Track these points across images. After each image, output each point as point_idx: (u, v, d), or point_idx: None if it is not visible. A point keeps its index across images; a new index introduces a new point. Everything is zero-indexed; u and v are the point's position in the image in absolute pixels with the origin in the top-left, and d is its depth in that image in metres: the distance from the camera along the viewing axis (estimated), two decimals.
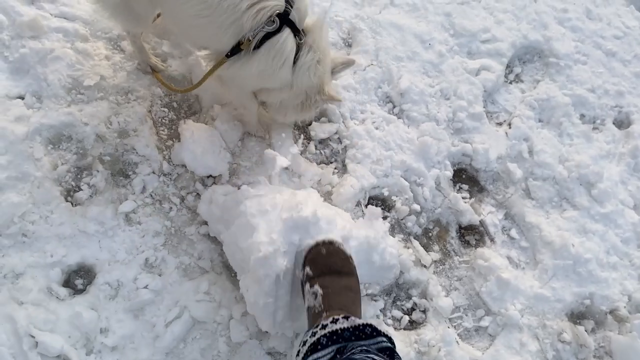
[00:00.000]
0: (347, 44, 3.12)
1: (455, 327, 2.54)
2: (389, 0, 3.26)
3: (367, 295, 2.47)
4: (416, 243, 2.65)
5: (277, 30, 2.00)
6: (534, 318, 2.59)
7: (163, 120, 2.63)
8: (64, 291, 2.19)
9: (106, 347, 2.13)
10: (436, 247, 2.70)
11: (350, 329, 1.68)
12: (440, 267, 2.67)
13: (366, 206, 2.65)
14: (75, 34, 2.62)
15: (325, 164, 2.75)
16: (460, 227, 2.80)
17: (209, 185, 2.53)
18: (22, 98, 2.44)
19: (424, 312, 2.53)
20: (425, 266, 2.61)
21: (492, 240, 2.77)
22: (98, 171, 2.41)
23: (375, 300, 2.49)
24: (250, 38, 1.99)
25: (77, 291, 2.24)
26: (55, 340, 2.05)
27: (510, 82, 3.30)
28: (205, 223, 2.44)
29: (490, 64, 3.20)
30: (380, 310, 2.47)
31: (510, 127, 3.08)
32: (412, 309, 2.54)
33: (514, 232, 2.82)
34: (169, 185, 2.50)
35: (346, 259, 2.04)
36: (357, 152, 2.72)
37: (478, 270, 2.66)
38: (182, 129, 2.50)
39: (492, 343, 2.52)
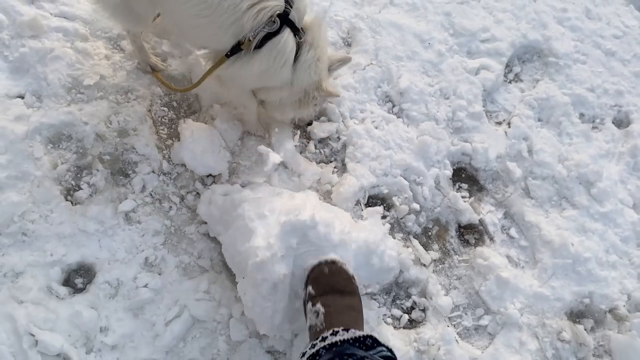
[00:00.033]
0: (346, 43, 3.13)
1: (454, 326, 2.54)
2: (389, 0, 3.27)
3: (366, 294, 2.48)
4: (416, 242, 2.65)
5: (278, 31, 2.01)
6: (533, 317, 2.59)
7: (163, 120, 2.63)
8: (63, 290, 2.19)
9: (106, 345, 2.14)
10: (436, 246, 2.70)
11: (351, 340, 1.68)
12: (440, 266, 2.67)
13: (366, 205, 2.66)
14: (75, 34, 2.62)
15: (325, 163, 2.75)
16: (459, 226, 2.80)
17: (208, 185, 2.53)
18: (22, 97, 2.44)
19: (423, 311, 2.53)
20: (424, 265, 2.61)
21: (491, 239, 2.77)
22: (98, 170, 2.42)
23: (375, 299, 2.49)
24: (251, 38, 1.99)
25: (77, 290, 2.24)
26: (55, 339, 2.05)
27: (510, 82, 3.31)
28: (205, 222, 2.44)
29: (489, 63, 3.20)
30: (379, 308, 2.47)
31: (509, 127, 3.08)
32: (412, 308, 2.54)
33: (513, 231, 2.82)
34: (169, 185, 2.50)
35: (349, 278, 2.05)
36: (357, 151, 2.72)
37: (477, 269, 2.66)
38: (182, 128, 2.50)
39: (492, 342, 2.52)
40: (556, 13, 3.61)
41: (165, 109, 2.66)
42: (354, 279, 2.07)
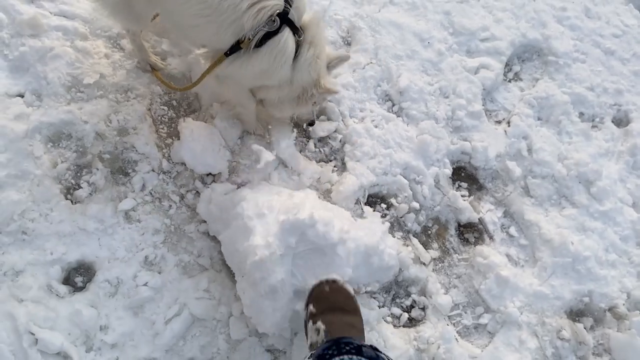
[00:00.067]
0: (346, 42, 3.13)
1: (454, 324, 2.54)
2: None
3: (366, 292, 2.48)
4: (415, 241, 2.65)
5: (277, 30, 2.01)
6: (533, 315, 2.59)
7: (162, 119, 2.63)
8: (63, 289, 2.19)
9: (106, 344, 2.14)
10: (435, 245, 2.70)
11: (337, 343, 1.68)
12: (440, 264, 2.67)
13: (365, 204, 2.66)
14: (74, 32, 2.62)
15: (325, 162, 2.76)
16: (459, 225, 2.80)
17: (208, 183, 2.53)
18: (22, 96, 2.44)
19: (423, 309, 2.54)
20: (424, 264, 2.61)
21: (491, 238, 2.77)
22: (98, 169, 2.42)
23: (375, 298, 2.49)
24: (251, 37, 2.00)
25: (76, 289, 2.24)
26: (55, 337, 2.05)
27: (509, 81, 3.31)
28: (205, 221, 2.44)
29: (489, 62, 3.21)
30: (379, 307, 2.48)
31: (509, 125, 3.09)
32: (412, 307, 2.54)
33: (513, 230, 2.83)
34: (169, 183, 2.50)
35: (350, 297, 2.05)
36: (357, 150, 2.73)
37: (477, 267, 2.66)
38: (182, 127, 2.51)
39: (491, 340, 2.53)
40: (555, 12, 3.62)
41: (165, 107, 2.66)
42: (355, 298, 2.08)
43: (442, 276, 2.65)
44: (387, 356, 1.71)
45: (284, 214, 2.10)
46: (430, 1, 3.33)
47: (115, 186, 2.43)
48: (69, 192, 2.37)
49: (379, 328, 2.39)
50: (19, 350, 2.02)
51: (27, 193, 2.26)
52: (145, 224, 2.39)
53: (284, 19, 2.01)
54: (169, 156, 2.55)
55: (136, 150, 2.50)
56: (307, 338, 2.00)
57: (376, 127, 2.83)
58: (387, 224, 2.59)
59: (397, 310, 2.50)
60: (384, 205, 2.70)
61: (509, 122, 3.11)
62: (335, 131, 2.82)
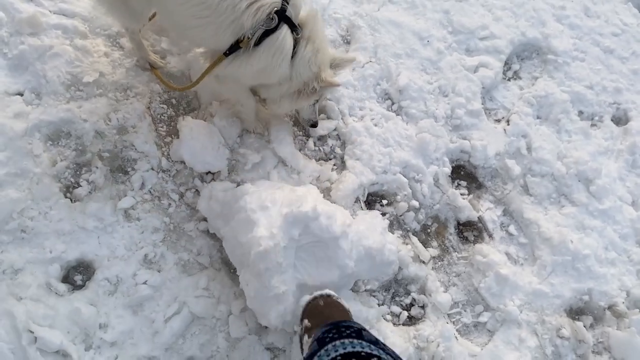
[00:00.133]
0: (345, 41, 3.13)
1: (454, 322, 2.54)
2: None
3: (366, 291, 2.48)
4: (415, 239, 2.65)
5: (275, 28, 2.01)
6: (532, 314, 2.59)
7: (162, 117, 2.63)
8: (63, 287, 2.19)
9: (105, 342, 2.13)
10: (435, 243, 2.70)
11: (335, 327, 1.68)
12: (439, 263, 2.67)
13: (365, 202, 2.66)
14: (74, 31, 2.62)
15: (324, 160, 2.76)
16: (458, 223, 2.80)
17: (207, 182, 2.53)
18: (21, 94, 2.44)
19: (422, 307, 2.54)
20: (423, 262, 2.61)
21: (490, 236, 2.77)
22: (97, 167, 2.42)
23: (374, 296, 2.49)
24: (250, 36, 2.00)
25: (76, 287, 2.24)
26: (54, 335, 2.05)
27: (509, 79, 3.31)
28: (204, 219, 2.44)
29: (488, 61, 3.21)
30: (378, 305, 2.48)
31: (508, 124, 3.09)
32: (411, 305, 2.54)
33: (512, 228, 2.83)
34: (168, 182, 2.50)
35: (344, 311, 2.06)
36: (356, 149, 2.73)
37: (477, 266, 2.66)
38: (181, 126, 2.50)
39: (491, 339, 2.53)
40: (555, 11, 3.62)
41: (165, 106, 2.65)
42: (350, 312, 2.08)
43: (442, 274, 2.65)
44: (385, 345, 1.71)
45: (287, 207, 2.10)
46: (430, 0, 3.33)
47: (114, 184, 2.43)
48: (69, 190, 2.37)
49: (378, 326, 2.39)
50: (18, 348, 2.01)
51: (27, 191, 2.26)
52: (144, 222, 2.39)
53: (282, 16, 2.02)
54: (169, 155, 2.55)
55: (135, 149, 2.50)
56: (302, 353, 1.99)
57: (376, 125, 2.83)
58: (387, 222, 2.59)
59: (396, 309, 2.50)
60: (383, 203, 2.70)
61: (508, 121, 3.11)
62: (334, 130, 2.82)
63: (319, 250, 2.14)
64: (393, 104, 2.96)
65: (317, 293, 2.06)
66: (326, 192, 2.62)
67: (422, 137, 2.82)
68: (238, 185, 2.48)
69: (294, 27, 2.07)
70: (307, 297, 2.07)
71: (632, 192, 3.08)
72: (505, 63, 3.30)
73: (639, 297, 2.75)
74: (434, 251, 2.67)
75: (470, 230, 2.79)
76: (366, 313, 2.37)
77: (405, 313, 2.50)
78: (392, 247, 2.44)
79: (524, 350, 2.50)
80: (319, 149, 2.77)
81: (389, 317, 2.48)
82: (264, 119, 2.69)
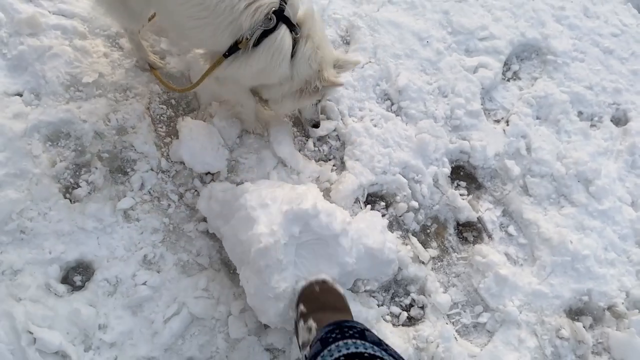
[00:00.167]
0: (345, 41, 3.13)
1: (453, 323, 2.54)
2: None
3: (365, 291, 2.48)
4: (414, 240, 2.65)
5: (274, 28, 2.01)
6: (532, 314, 2.59)
7: (161, 118, 2.63)
8: (62, 288, 2.19)
9: (105, 343, 2.13)
10: (434, 244, 2.70)
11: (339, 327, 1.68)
12: (439, 263, 2.67)
13: (365, 203, 2.66)
14: (73, 32, 2.62)
15: (324, 161, 2.76)
16: (458, 224, 2.80)
17: (207, 182, 2.53)
18: (21, 95, 2.44)
19: (422, 308, 2.54)
20: (423, 263, 2.61)
21: (490, 236, 2.77)
22: (96, 168, 2.42)
23: (374, 297, 2.49)
24: (248, 37, 1.99)
25: (75, 288, 2.24)
26: (53, 336, 2.05)
27: (508, 80, 3.31)
28: (204, 220, 2.44)
29: (488, 61, 3.21)
30: (378, 306, 2.47)
31: (508, 124, 3.09)
32: (411, 305, 2.54)
33: (511, 229, 2.83)
34: (168, 182, 2.50)
35: (340, 296, 2.06)
36: (356, 149, 2.73)
37: (476, 266, 2.66)
38: (181, 126, 2.50)
39: (491, 339, 2.53)
40: (554, 11, 3.62)
41: (164, 106, 2.65)
42: (345, 297, 2.09)
43: (441, 275, 2.65)
44: (388, 346, 1.71)
45: (287, 204, 2.10)
46: (429, 0, 3.33)
47: (114, 185, 2.42)
48: (68, 191, 2.37)
49: (378, 327, 2.39)
50: (18, 349, 2.01)
51: (26, 192, 2.26)
52: (144, 223, 2.38)
53: (280, 16, 2.01)
54: (168, 155, 2.55)
55: (135, 149, 2.50)
56: (298, 338, 2.00)
57: (375, 126, 2.83)
58: (386, 221, 2.59)
59: (396, 309, 2.50)
60: (383, 204, 2.70)
61: (507, 121, 3.11)
62: (334, 130, 2.82)
63: (319, 248, 2.15)
64: (392, 104, 2.96)
65: (312, 279, 2.06)
66: (326, 193, 2.62)
67: (422, 137, 2.82)
68: (237, 185, 2.48)
69: (292, 27, 2.07)
70: (302, 283, 2.06)
71: (632, 193, 3.08)
72: (505, 63, 3.30)
73: (638, 297, 2.75)
74: (433, 252, 2.67)
75: (470, 231, 2.79)
76: (366, 314, 2.37)
77: (405, 314, 2.50)
78: (391, 245, 2.44)
79: (523, 350, 2.50)
80: (319, 150, 2.77)
81: (388, 317, 2.48)
82: (264, 120, 2.69)
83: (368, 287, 2.48)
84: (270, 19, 1.98)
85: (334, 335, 1.56)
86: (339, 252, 2.15)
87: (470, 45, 3.26)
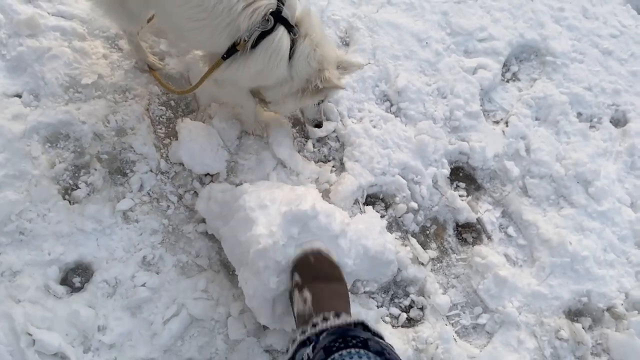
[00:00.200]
0: (344, 42, 3.13)
1: (452, 324, 2.54)
2: None
3: (365, 292, 2.48)
4: (414, 241, 2.65)
5: (272, 29, 2.01)
6: (531, 315, 2.59)
7: (161, 119, 2.63)
8: (61, 289, 2.19)
9: (104, 344, 2.13)
10: (433, 245, 2.70)
11: (341, 327, 1.69)
12: (438, 264, 2.67)
13: (364, 204, 2.66)
14: (72, 33, 2.62)
15: (323, 162, 2.76)
16: (457, 225, 2.80)
17: (206, 184, 2.53)
18: (20, 96, 2.44)
19: (421, 309, 2.53)
20: (422, 264, 2.61)
21: (489, 238, 2.77)
22: (96, 169, 2.42)
23: (373, 298, 2.49)
24: (246, 38, 1.99)
25: (74, 289, 2.24)
26: (52, 338, 2.05)
27: (507, 81, 3.31)
28: (203, 221, 2.44)
29: (487, 62, 3.21)
30: (377, 307, 2.47)
31: (507, 126, 3.08)
32: (410, 307, 2.54)
33: (511, 230, 2.83)
34: (167, 184, 2.50)
35: (334, 266, 2.06)
36: (355, 150, 2.73)
37: (475, 267, 2.66)
38: (180, 127, 2.50)
39: (490, 340, 2.52)
40: (553, 12, 3.62)
41: (163, 108, 2.65)
42: (339, 267, 2.08)
43: (441, 276, 2.64)
44: (377, 333, 1.71)
45: (286, 205, 2.10)
46: (428, 1, 3.33)
47: (113, 186, 2.42)
48: (67, 192, 2.37)
49: (377, 328, 2.38)
50: (17, 350, 2.01)
51: (25, 193, 2.26)
52: (143, 224, 2.38)
53: (278, 17, 2.01)
54: (167, 156, 2.55)
55: (134, 151, 2.50)
56: (293, 308, 2.00)
57: (374, 127, 2.83)
58: (385, 222, 2.59)
59: (395, 311, 2.50)
60: (382, 205, 2.70)
61: (506, 122, 3.11)
62: (333, 131, 2.82)
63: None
64: (392, 105, 2.96)
65: (307, 249, 2.05)
66: (325, 194, 2.62)
67: (421, 138, 2.82)
68: (237, 187, 2.48)
69: (290, 28, 2.07)
70: (297, 252, 2.05)
71: (631, 194, 3.08)
72: (504, 65, 3.30)
73: (637, 298, 2.75)
74: (432, 253, 2.67)
75: (469, 232, 2.79)
76: (365, 315, 2.37)
77: (404, 315, 2.50)
78: (391, 246, 2.44)
79: (522, 352, 2.50)
80: (318, 151, 2.77)
81: (387, 318, 2.48)
82: (263, 121, 2.69)
83: (367, 289, 2.48)
84: (268, 20, 1.98)
85: (337, 345, 1.56)
86: (338, 253, 2.15)
87: (469, 47, 3.26)
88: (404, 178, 2.74)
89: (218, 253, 2.41)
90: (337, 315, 1.74)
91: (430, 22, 3.26)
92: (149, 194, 2.46)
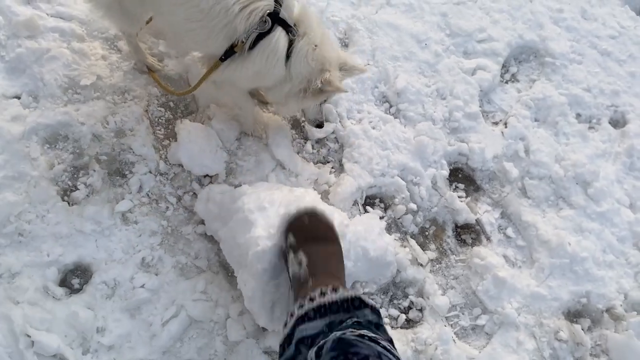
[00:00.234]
0: (343, 44, 3.13)
1: (452, 325, 2.54)
2: (385, 1, 3.27)
3: (364, 293, 2.47)
4: (413, 242, 2.65)
5: (269, 30, 2.01)
6: (530, 316, 2.59)
7: (160, 120, 2.63)
8: (60, 290, 2.19)
9: (103, 346, 2.13)
10: (433, 246, 2.70)
11: (339, 302, 1.68)
12: (437, 265, 2.67)
13: (363, 205, 2.66)
14: (71, 34, 2.62)
15: (322, 163, 2.76)
16: (456, 226, 2.80)
17: (205, 185, 2.53)
18: (19, 98, 2.44)
19: (420, 310, 2.53)
20: (421, 265, 2.61)
21: (488, 239, 2.77)
22: (95, 171, 2.41)
23: (372, 299, 2.49)
24: (244, 40, 1.99)
25: (73, 290, 2.24)
26: (51, 339, 2.05)
27: (506, 82, 3.31)
28: (202, 222, 2.44)
29: (486, 63, 3.21)
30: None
31: (506, 127, 3.09)
32: (409, 308, 2.54)
33: (510, 231, 2.83)
34: (166, 185, 2.50)
35: (329, 227, 2.04)
36: (354, 152, 2.73)
37: (474, 269, 2.66)
38: (179, 129, 2.50)
39: (489, 342, 2.52)
40: (552, 13, 3.62)
41: (162, 109, 2.65)
42: (334, 227, 2.07)
43: (440, 277, 2.64)
44: (373, 306, 1.71)
45: (285, 207, 2.10)
46: (427, 3, 3.33)
47: (112, 188, 2.42)
48: (66, 193, 2.37)
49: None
50: (16, 352, 2.01)
51: (24, 195, 2.26)
52: (142, 225, 2.38)
53: (276, 18, 2.01)
54: (166, 158, 2.54)
55: (133, 152, 2.50)
56: (288, 270, 2.00)
57: (373, 128, 2.83)
58: (384, 224, 2.59)
59: (394, 312, 2.50)
60: (381, 207, 2.70)
61: (506, 124, 3.11)
62: (332, 132, 2.82)
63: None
64: (391, 106, 2.97)
65: (302, 208, 2.03)
66: (324, 195, 2.62)
67: (420, 139, 2.82)
68: (236, 188, 2.48)
69: (289, 29, 2.06)
70: (291, 211, 2.03)
71: (630, 195, 3.08)
72: (503, 66, 3.30)
73: (636, 299, 2.76)
74: (432, 254, 2.67)
75: (468, 233, 2.79)
76: None
77: (403, 316, 2.50)
78: (390, 248, 2.44)
79: (521, 353, 2.50)
80: (317, 152, 2.77)
81: (387, 320, 2.48)
82: (262, 122, 2.69)
83: (366, 290, 2.48)
84: (265, 21, 1.98)
85: None
86: None
87: (469, 48, 3.26)
88: (403, 179, 2.74)
89: (217, 254, 2.41)
90: (335, 289, 1.72)
91: (429, 24, 3.26)
92: (148, 195, 2.46)
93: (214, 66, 2.12)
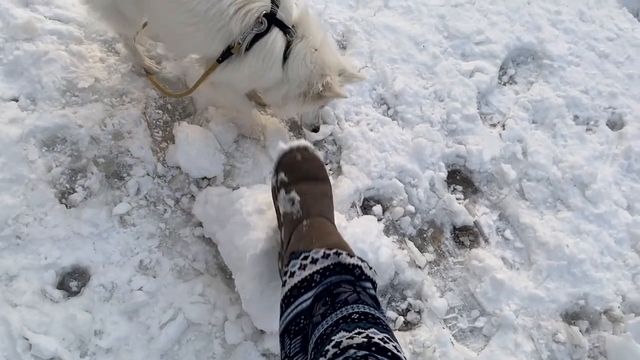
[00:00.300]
0: (341, 46, 3.13)
1: (450, 327, 2.54)
2: (383, 3, 3.28)
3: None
4: (411, 244, 2.65)
5: (266, 31, 2.00)
6: (528, 318, 2.60)
7: (157, 122, 2.63)
8: (58, 293, 2.18)
9: (100, 349, 2.13)
10: (431, 248, 2.70)
11: (339, 267, 1.65)
12: (435, 268, 2.67)
13: (361, 207, 2.66)
14: (69, 37, 2.62)
15: None
16: (454, 228, 2.80)
17: (203, 187, 2.53)
18: (16, 100, 2.44)
19: (418, 313, 2.53)
20: (419, 267, 2.61)
21: (486, 241, 2.78)
22: (92, 173, 2.41)
23: None
24: (240, 41, 1.99)
25: (71, 293, 2.23)
26: (49, 342, 2.04)
27: (504, 84, 3.32)
28: (200, 225, 2.44)
29: (484, 65, 3.21)
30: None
31: (504, 129, 3.09)
32: (407, 310, 2.54)
33: (508, 233, 2.83)
34: (164, 187, 2.50)
35: (321, 165, 2.02)
36: (352, 154, 2.73)
37: (472, 271, 2.66)
38: (177, 131, 2.50)
39: (487, 344, 2.53)
40: (550, 16, 3.63)
41: (160, 111, 2.65)
42: (324, 165, 2.04)
43: (438, 279, 2.65)
44: (371, 279, 1.71)
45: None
46: (425, 5, 3.34)
47: (110, 190, 2.42)
48: (64, 196, 2.36)
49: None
50: (13, 355, 2.01)
51: (22, 197, 2.26)
52: (140, 228, 2.38)
53: (273, 19, 2.01)
54: (164, 160, 2.54)
55: (131, 154, 2.50)
56: (279, 207, 1.97)
57: (371, 130, 2.83)
58: (382, 226, 2.59)
59: (392, 314, 2.50)
60: (379, 209, 2.70)
61: (503, 125, 3.12)
62: (330, 135, 2.82)
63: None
64: (389, 108, 2.97)
65: (294, 144, 1.98)
66: None
67: (418, 141, 2.82)
68: (234, 190, 2.48)
69: (287, 30, 2.06)
70: (283, 147, 1.99)
71: (628, 196, 3.08)
72: (501, 68, 3.31)
73: (634, 301, 2.76)
74: (430, 256, 2.67)
75: (466, 235, 2.79)
76: None
77: (402, 318, 2.50)
78: (388, 250, 2.44)
79: (520, 355, 2.50)
80: None
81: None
82: (260, 124, 2.69)
83: None
84: (261, 22, 1.98)
85: None
86: None
87: (467, 50, 3.27)
88: (401, 181, 2.74)
89: (215, 257, 2.41)
90: (337, 254, 1.67)
91: (427, 26, 3.27)
92: (145, 197, 2.45)
93: (212, 68, 2.12)
